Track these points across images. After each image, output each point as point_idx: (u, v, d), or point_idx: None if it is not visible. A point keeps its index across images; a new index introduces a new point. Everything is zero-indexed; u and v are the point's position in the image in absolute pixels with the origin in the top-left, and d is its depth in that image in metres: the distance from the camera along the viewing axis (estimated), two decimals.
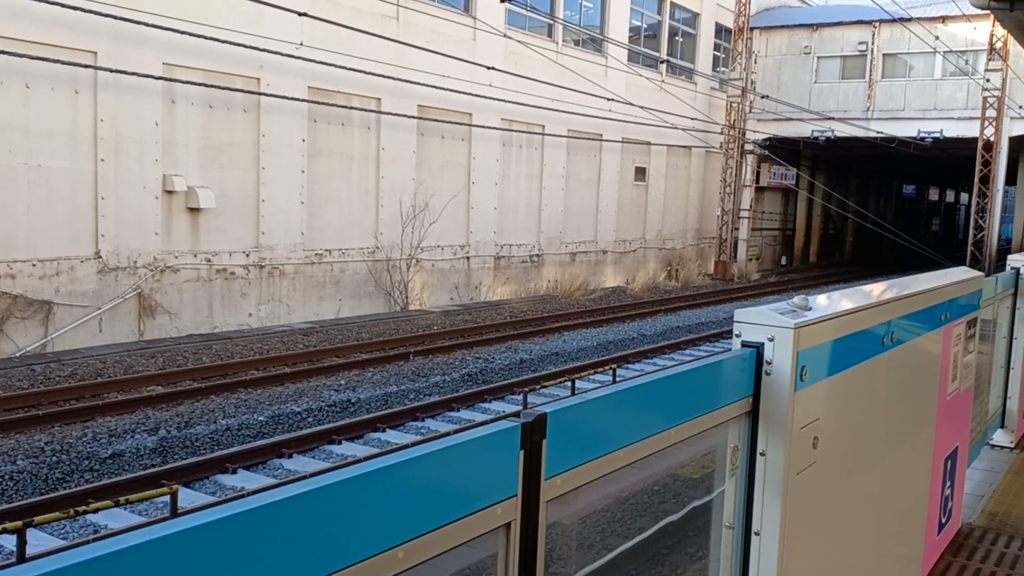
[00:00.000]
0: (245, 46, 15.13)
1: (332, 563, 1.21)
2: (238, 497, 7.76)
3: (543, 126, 23.88)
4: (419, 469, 1.35)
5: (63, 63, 13.25)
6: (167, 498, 7.08)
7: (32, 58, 12.79)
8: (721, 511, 2.49)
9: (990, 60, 27.22)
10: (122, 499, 6.99)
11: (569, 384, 11.26)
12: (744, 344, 2.41)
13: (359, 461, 8.92)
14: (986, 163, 27.82)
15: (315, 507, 1.19)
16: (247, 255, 16.86)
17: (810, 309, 2.54)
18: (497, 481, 1.48)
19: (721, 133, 30.67)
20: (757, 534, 2.42)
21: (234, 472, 8.86)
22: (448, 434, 9.28)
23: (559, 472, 1.61)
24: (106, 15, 13.27)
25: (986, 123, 27.56)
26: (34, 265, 13.64)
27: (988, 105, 27.41)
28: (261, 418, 10.70)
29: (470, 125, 21.43)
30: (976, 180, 28.17)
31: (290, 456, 9.39)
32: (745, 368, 2.38)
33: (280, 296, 17.58)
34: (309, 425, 10.64)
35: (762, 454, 2.41)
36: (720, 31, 32.83)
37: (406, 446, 9.58)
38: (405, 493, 1.32)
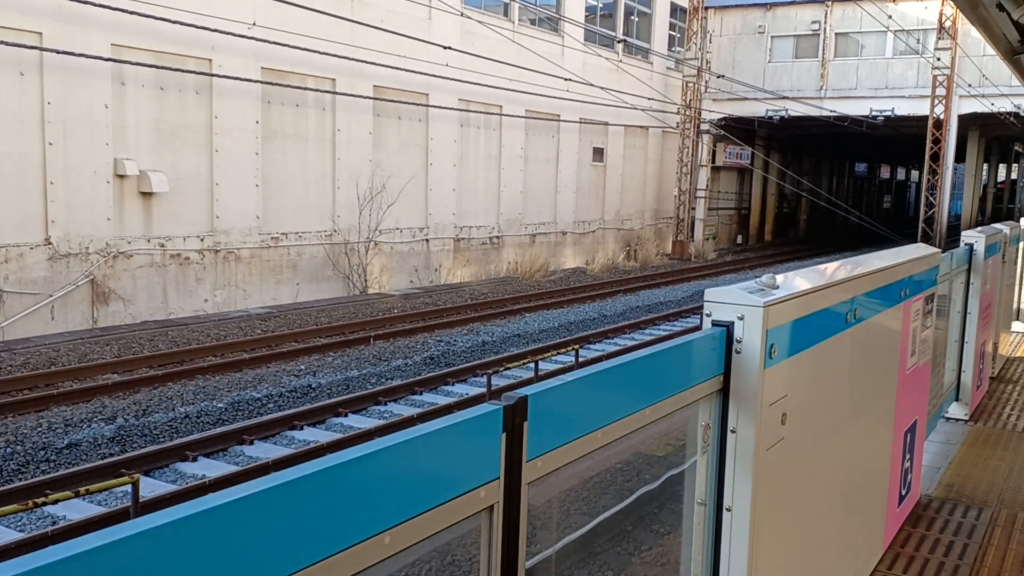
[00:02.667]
0: (196, 26, 14.84)
1: (318, 551, 1.20)
2: (199, 486, 7.66)
3: (501, 106, 23.79)
4: (403, 455, 1.34)
5: (7, 44, 12.88)
6: (128, 487, 6.98)
7: None
8: (693, 488, 2.51)
9: (939, 39, 27.66)
10: (82, 489, 6.90)
11: (532, 366, 11.30)
12: (714, 323, 2.43)
13: (330, 449, 8.82)
14: (936, 141, 28.32)
15: (299, 496, 1.18)
16: (201, 239, 16.61)
17: (778, 288, 2.57)
18: (480, 464, 1.48)
19: (677, 113, 30.83)
20: (728, 510, 2.45)
21: (194, 460, 8.76)
22: (413, 421, 9.17)
23: (540, 454, 1.62)
24: None
25: (936, 101, 28.03)
26: None
27: (938, 84, 27.87)
28: (220, 405, 10.59)
29: (427, 106, 21.28)
30: (927, 158, 28.68)
31: (251, 443, 9.31)
32: (716, 347, 2.40)
33: (236, 281, 17.35)
34: (270, 411, 10.55)
35: (732, 431, 2.44)
36: (675, 10, 32.92)
37: (369, 432, 9.50)
38: (390, 479, 1.31)
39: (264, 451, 9.13)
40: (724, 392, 2.42)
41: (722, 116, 31.57)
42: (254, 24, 16.50)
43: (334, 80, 18.73)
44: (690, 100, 30.79)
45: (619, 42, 28.92)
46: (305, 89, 18.06)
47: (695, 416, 2.47)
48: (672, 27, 33.09)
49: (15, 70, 13.53)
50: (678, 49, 32.86)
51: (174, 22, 14.54)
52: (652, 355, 2.12)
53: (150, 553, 1.01)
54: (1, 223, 13.51)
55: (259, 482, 1.13)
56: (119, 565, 0.97)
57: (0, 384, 10.67)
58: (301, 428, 9.87)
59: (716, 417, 2.43)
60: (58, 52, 13.55)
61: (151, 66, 14.92)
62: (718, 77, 30.11)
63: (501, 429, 1.51)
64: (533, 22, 25.80)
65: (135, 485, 6.76)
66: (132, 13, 13.90)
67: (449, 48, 19.83)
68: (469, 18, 21.12)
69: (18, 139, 13.70)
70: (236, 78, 16.20)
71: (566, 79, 23.51)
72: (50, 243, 14.22)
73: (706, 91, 31.43)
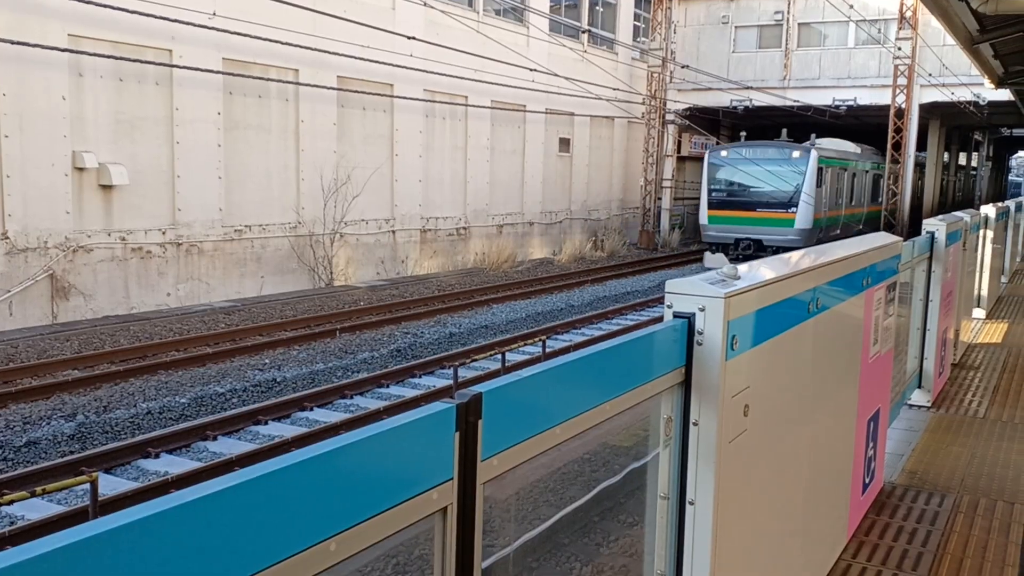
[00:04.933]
0: (155, 16, 14.57)
1: (260, 560, 1.15)
2: (161, 483, 7.53)
3: (466, 97, 23.68)
4: (350, 457, 1.29)
5: None
6: (87, 486, 6.85)
7: None
8: (656, 481, 2.49)
9: (900, 29, 27.94)
10: (39, 489, 6.74)
11: (500, 357, 11.25)
12: (675, 315, 2.40)
13: (285, 447, 8.71)
14: (898, 130, 28.63)
15: (241, 502, 1.13)
16: (163, 232, 16.36)
17: (739, 278, 2.55)
18: (432, 465, 1.44)
19: (643, 103, 30.88)
20: (691, 503, 2.43)
21: (157, 456, 8.63)
22: (380, 414, 9.07)
23: (496, 452, 1.57)
24: None
25: (897, 91, 28.33)
26: None
27: (899, 73, 28.16)
28: (183, 400, 10.44)
29: (392, 96, 21.12)
30: (888, 147, 29.00)
31: (215, 438, 9.18)
32: (677, 339, 2.37)
33: (199, 274, 17.12)
34: (234, 406, 10.42)
35: (695, 424, 2.41)
36: (640, 1, 32.95)
37: (334, 426, 9.39)
38: (336, 483, 1.26)
39: (228, 447, 9.01)
40: (686, 384, 2.39)
41: (687, 106, 31.67)
42: (215, 14, 16.24)
43: (297, 71, 18.52)
44: (655, 90, 30.86)
45: (584, 32, 28.89)
46: (268, 80, 17.84)
47: (657, 409, 2.44)
48: (637, 17, 33.12)
49: None
50: (643, 40, 32.90)
51: (133, 12, 14.27)
52: (612, 348, 2.09)
53: (80, 565, 0.96)
54: None
55: (194, 490, 1.08)
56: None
57: None
58: (266, 423, 9.76)
59: (678, 410, 2.41)
60: (13, 43, 13.23)
61: (109, 57, 14.63)
62: (683, 67, 30.19)
63: (454, 428, 1.46)
64: (498, 12, 25.68)
65: (94, 484, 6.63)
66: (89, 3, 13.61)
67: (414, 38, 19.67)
68: (433, 8, 20.96)
69: None
70: (197, 69, 15.95)
71: (531, 69, 23.44)
72: (7, 238, 13.92)
73: (671, 81, 31.52)
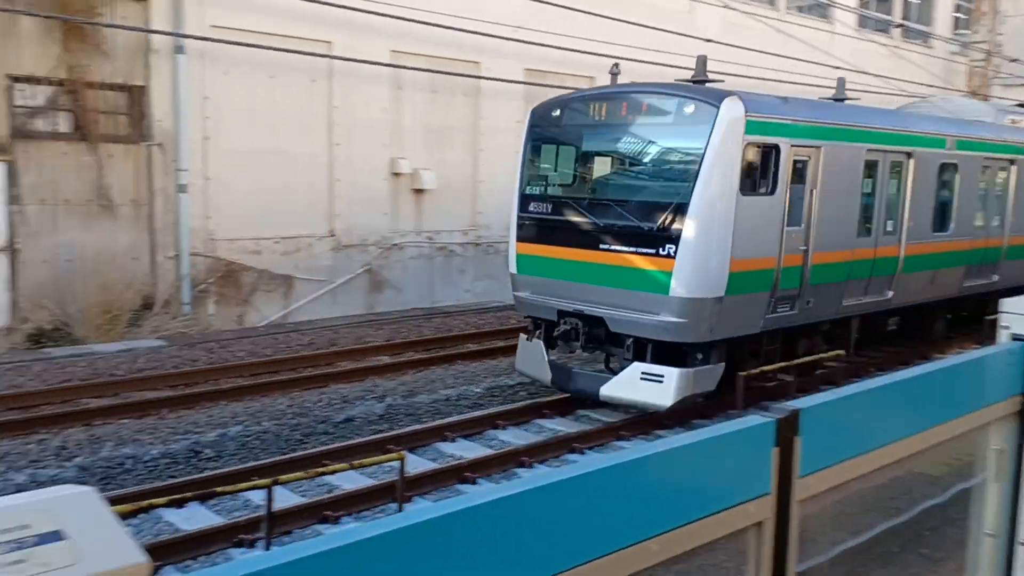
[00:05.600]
0: (466, 31, 15.54)
1: (585, 552, 1.21)
2: (456, 467, 7.98)
3: None
4: (670, 463, 1.32)
5: (303, 53, 14.16)
6: (396, 463, 7.47)
7: (273, 49, 13.75)
8: (980, 517, 2.29)
9: None
10: (355, 463, 7.48)
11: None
12: (1014, 337, 2.20)
13: (577, 440, 8.86)
14: None
15: (561, 499, 1.19)
16: (464, 234, 17.44)
17: None
18: (749, 478, 1.43)
19: None
20: (1023, 544, 2.21)
21: (453, 441, 9.24)
22: (698, 424, 8.91)
23: (813, 471, 1.53)
24: (340, 6, 14.04)
25: None
26: (277, 242, 14.79)
27: None
28: (478, 390, 11.09)
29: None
30: None
31: (504, 428, 9.66)
32: (1014, 363, 2.16)
33: (495, 273, 18.04)
34: (521, 399, 10.89)
35: None
36: None
37: (620, 424, 9.39)
38: (656, 487, 1.30)
39: (515, 436, 9.45)
40: (1023, 414, 2.18)
41: (1016, 103, 28.52)
42: (519, 27, 17.01)
43: (592, 78, 18.90)
44: (977, 87, 28.11)
45: (897, 27, 26.95)
46: (564, 88, 18.35)
47: (985, 439, 2.25)
48: (957, 8, 30.33)
49: (307, 77, 14.87)
50: (964, 32, 30.08)
51: (447, 28, 15.31)
52: (938, 371, 1.96)
53: (415, 545, 1.06)
54: (295, 217, 14.95)
55: (520, 483, 1.16)
56: (389, 554, 1.04)
57: (292, 361, 11.87)
58: (551, 418, 10.11)
59: (1012, 442, 2.20)
60: (345, 59, 14.72)
61: (425, 70, 15.82)
62: (1011, 61, 27.23)
63: (773, 443, 1.45)
64: (800, 9, 24.65)
65: (402, 461, 7.24)
66: (409, 20, 14.80)
67: (710, 40, 19.39)
68: (732, 8, 20.55)
69: (309, 140, 15.08)
70: (502, 80, 16.81)
71: (836, 67, 22.23)
72: (334, 235, 15.53)
73: (996, 76, 28.55)
